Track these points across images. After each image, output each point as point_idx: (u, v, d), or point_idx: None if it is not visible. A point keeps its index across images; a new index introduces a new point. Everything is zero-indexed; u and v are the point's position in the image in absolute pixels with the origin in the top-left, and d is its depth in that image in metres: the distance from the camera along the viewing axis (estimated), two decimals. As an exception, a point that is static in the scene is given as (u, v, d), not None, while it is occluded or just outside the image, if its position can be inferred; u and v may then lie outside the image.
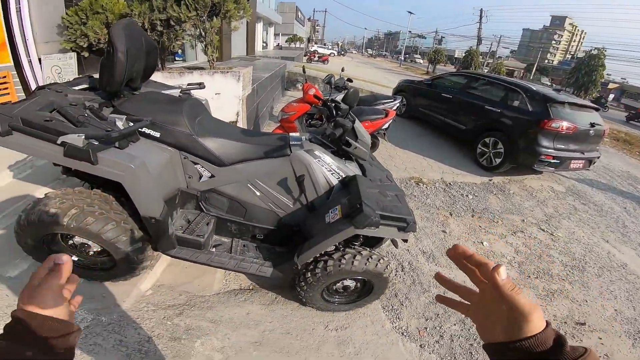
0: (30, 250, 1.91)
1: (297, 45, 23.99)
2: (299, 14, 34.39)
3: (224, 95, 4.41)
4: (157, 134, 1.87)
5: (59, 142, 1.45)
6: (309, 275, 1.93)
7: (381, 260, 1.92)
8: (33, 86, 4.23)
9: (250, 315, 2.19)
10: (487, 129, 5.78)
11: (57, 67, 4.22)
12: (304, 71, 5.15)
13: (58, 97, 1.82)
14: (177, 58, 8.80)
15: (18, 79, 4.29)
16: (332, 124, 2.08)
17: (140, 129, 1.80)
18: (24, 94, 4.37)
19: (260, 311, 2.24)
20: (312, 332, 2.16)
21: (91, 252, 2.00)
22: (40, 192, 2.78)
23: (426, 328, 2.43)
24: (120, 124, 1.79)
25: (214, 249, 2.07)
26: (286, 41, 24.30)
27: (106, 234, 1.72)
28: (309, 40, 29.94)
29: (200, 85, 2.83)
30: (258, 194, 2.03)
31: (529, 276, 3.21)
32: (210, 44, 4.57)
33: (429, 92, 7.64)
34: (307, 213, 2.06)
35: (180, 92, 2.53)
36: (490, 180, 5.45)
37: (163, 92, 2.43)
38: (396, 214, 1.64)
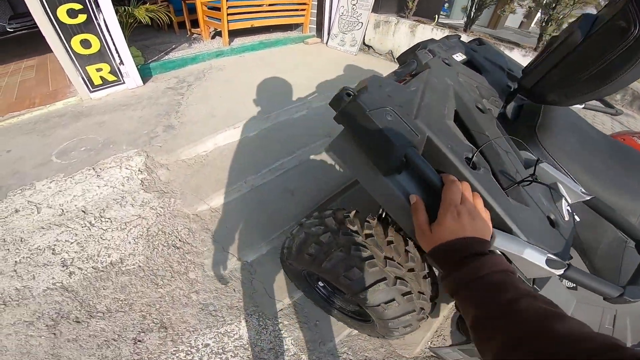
0: (290, 274, 1.46)
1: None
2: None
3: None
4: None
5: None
6: None
7: None
8: (327, 14, 3.96)
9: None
10: None
11: (355, -2, 3.73)
12: None
13: (452, 77, 0.95)
14: (442, 12, 7.29)
15: (316, 2, 4.14)
16: None
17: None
18: (315, 19, 4.27)
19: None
20: None
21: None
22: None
23: None
24: (565, 208, 0.77)
25: None
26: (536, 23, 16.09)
27: (396, 323, 1.11)
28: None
29: (617, 112, 1.45)
30: None
31: None
32: (558, 19, 2.81)
33: None
34: None
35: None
36: None
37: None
38: None
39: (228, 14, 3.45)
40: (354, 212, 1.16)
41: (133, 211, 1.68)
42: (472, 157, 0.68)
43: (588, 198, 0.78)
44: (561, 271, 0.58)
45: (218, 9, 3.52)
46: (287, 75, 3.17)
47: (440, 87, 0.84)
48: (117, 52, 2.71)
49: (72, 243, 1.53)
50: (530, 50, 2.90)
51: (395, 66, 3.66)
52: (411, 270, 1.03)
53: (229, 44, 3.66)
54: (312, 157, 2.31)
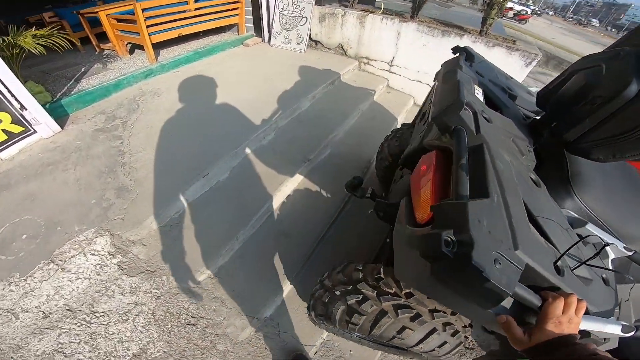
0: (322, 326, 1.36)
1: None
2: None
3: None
4: None
5: None
6: None
7: None
8: (264, 11, 3.58)
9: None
10: None
11: (292, -10, 3.41)
12: None
13: (503, 145, 0.92)
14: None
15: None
16: None
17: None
18: (251, 17, 3.84)
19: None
20: None
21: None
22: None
23: None
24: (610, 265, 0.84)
25: None
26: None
27: (447, 356, 1.08)
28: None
29: None
30: None
31: None
32: (499, 2, 2.90)
33: None
34: None
35: None
36: None
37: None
38: None
39: (147, 26, 2.89)
40: (381, 268, 1.12)
41: (126, 300, 1.45)
42: (557, 261, 0.68)
43: (630, 254, 0.81)
44: (632, 333, 0.66)
45: (131, 21, 2.92)
46: (237, 89, 2.82)
47: (507, 175, 0.79)
48: (13, 95, 2.09)
49: (78, 343, 1.34)
50: (475, 34, 3.00)
51: (347, 60, 3.52)
52: (454, 313, 1.04)
53: (157, 60, 3.11)
54: (295, 189, 2.14)
